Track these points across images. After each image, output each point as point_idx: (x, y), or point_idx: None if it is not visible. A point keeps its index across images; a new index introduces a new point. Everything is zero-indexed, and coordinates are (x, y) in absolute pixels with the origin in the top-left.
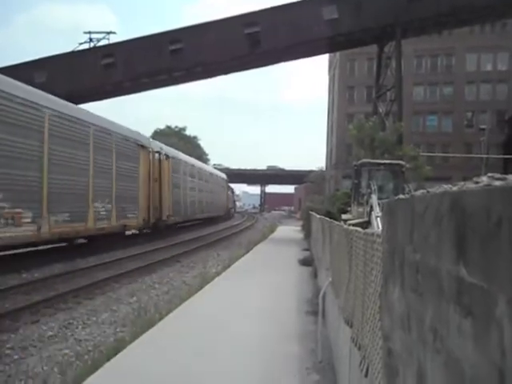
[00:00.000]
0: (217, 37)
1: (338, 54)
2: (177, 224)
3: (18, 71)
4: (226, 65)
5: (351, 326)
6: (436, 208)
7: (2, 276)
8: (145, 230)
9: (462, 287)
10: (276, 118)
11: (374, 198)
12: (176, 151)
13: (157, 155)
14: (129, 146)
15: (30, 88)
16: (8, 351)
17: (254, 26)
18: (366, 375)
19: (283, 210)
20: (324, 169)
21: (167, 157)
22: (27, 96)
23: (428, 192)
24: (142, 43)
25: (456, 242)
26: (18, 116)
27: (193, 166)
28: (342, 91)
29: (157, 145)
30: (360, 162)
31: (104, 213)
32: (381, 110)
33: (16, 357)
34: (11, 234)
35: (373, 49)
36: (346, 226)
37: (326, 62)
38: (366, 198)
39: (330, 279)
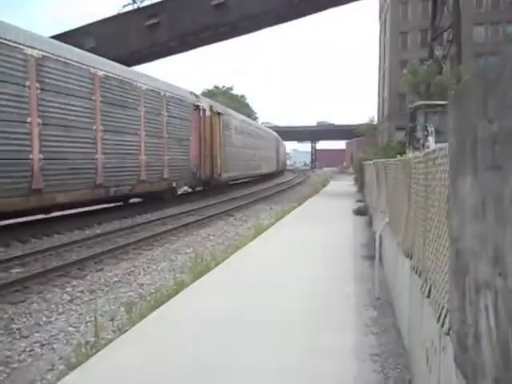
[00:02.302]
0: None
1: None
2: (283, 171)
3: (68, 38)
4: (271, 16)
5: (411, 258)
6: None
7: (67, 232)
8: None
9: None
10: (324, 71)
11: (432, 140)
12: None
13: (277, 141)
14: (274, 138)
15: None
16: (78, 294)
17: None
18: (429, 295)
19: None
20: (376, 121)
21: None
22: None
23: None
24: (184, 0)
25: None
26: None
27: (280, 139)
28: (394, 37)
29: (277, 135)
30: (415, 104)
31: (267, 166)
32: (437, 54)
33: (86, 298)
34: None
35: None
36: (402, 157)
37: (376, 8)
38: (422, 141)
39: (387, 219)
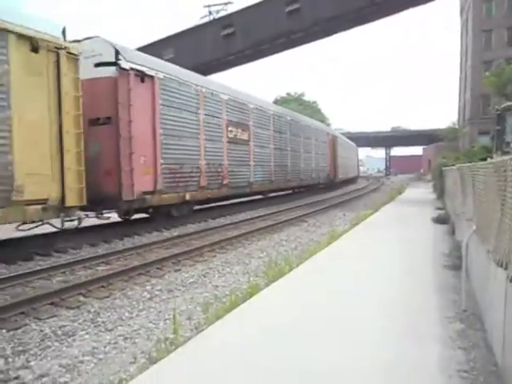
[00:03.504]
0: None
1: None
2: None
3: (150, 49)
4: (345, 19)
5: (506, 267)
6: None
7: (146, 233)
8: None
9: None
10: (399, 74)
11: None
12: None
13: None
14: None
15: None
16: (157, 292)
17: None
18: None
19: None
20: (456, 125)
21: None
22: None
23: None
24: (259, 8)
25: None
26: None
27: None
28: (476, 36)
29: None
30: (504, 105)
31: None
32: None
33: (164, 297)
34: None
35: None
36: (494, 159)
37: (457, 7)
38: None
39: (474, 227)
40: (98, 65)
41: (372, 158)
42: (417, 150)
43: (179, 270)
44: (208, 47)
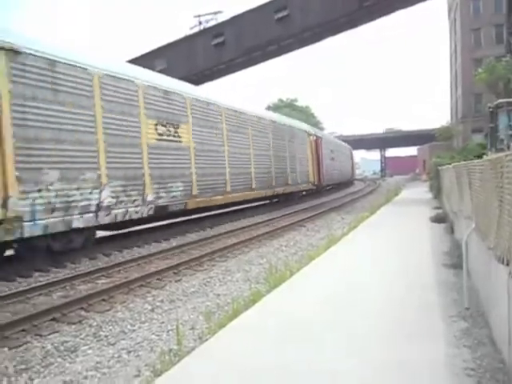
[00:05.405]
0: None
1: None
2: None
3: (142, 61)
4: (335, 24)
5: (507, 264)
6: None
7: (145, 245)
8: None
9: None
10: (390, 76)
11: None
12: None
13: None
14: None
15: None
16: (158, 303)
17: None
18: None
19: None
20: (449, 124)
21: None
22: None
23: None
24: (248, 17)
25: None
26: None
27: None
28: (465, 35)
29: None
30: (496, 102)
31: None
32: None
33: (166, 308)
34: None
35: None
36: (490, 156)
37: (445, 7)
38: (506, 142)
39: (473, 225)
40: (308, 135)
41: (367, 160)
42: (411, 151)
43: (180, 280)
44: (199, 57)
